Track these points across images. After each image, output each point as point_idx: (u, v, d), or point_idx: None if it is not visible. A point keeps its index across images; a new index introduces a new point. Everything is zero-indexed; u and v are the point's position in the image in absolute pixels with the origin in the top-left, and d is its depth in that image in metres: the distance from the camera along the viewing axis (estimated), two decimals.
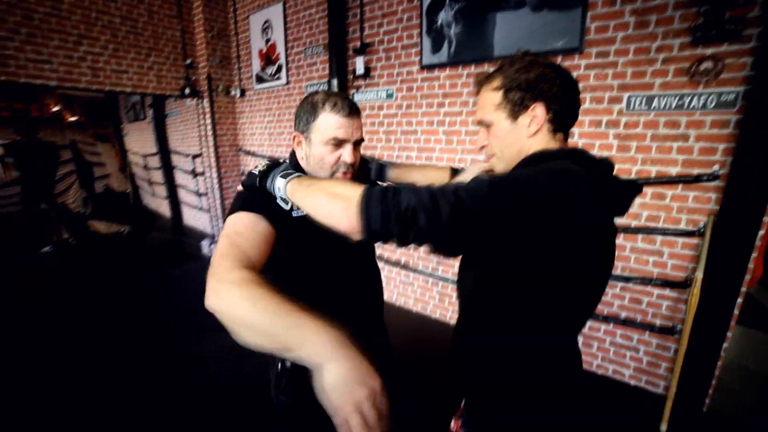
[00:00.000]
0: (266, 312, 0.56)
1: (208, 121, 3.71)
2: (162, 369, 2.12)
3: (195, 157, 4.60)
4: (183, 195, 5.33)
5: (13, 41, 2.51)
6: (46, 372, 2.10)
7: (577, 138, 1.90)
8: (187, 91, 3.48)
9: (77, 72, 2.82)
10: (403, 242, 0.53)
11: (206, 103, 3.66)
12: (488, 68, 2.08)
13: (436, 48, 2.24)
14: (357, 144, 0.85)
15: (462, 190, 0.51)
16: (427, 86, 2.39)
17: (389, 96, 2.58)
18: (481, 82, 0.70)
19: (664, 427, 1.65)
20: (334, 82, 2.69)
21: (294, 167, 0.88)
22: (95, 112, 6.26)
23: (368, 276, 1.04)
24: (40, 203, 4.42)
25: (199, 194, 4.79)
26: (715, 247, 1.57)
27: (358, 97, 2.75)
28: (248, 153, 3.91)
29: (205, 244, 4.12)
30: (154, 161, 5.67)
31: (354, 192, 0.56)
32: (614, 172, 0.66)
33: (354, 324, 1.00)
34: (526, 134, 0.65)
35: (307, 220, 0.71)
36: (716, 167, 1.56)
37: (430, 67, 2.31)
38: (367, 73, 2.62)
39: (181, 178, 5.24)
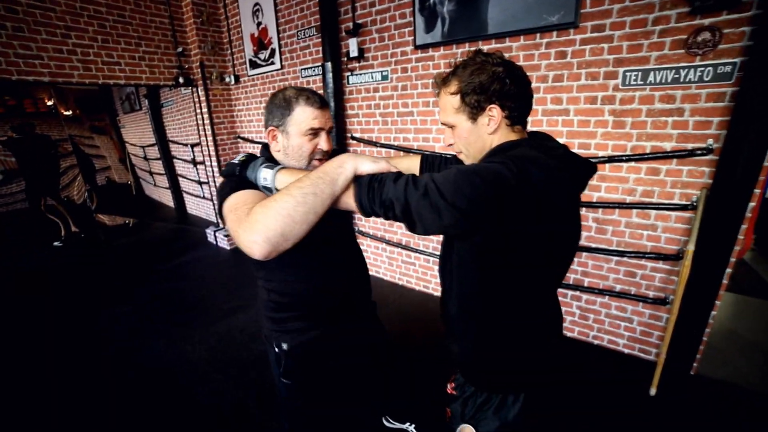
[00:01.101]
0: (299, 188, 0.65)
1: (204, 109, 3.69)
2: (176, 350, 2.24)
3: (194, 146, 4.60)
4: (184, 184, 5.38)
5: (0, 37, 2.48)
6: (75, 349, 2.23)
7: (573, 115, 1.89)
8: (181, 80, 3.44)
9: (69, 66, 2.80)
10: (387, 220, 0.66)
11: (201, 91, 3.62)
12: (482, 46, 2.06)
13: (429, 27, 2.19)
14: (328, 132, 0.93)
15: (431, 183, 0.59)
16: (422, 66, 2.35)
17: (384, 78, 2.55)
18: (439, 85, 0.75)
19: (653, 391, 1.75)
20: (328, 65, 2.66)
21: (268, 160, 0.93)
22: (90, 105, 6.19)
23: (350, 247, 1.13)
24: (45, 198, 4.47)
25: (200, 183, 4.83)
26: (707, 220, 1.60)
27: (353, 80, 2.72)
28: (246, 140, 3.91)
29: (209, 232, 4.20)
30: (153, 152, 5.68)
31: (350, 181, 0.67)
32: (571, 153, 0.72)
33: (343, 286, 1.07)
34: (487, 132, 0.72)
35: None
36: (710, 141, 1.56)
37: (424, 47, 2.27)
38: (361, 54, 2.58)
39: (181, 167, 5.27)
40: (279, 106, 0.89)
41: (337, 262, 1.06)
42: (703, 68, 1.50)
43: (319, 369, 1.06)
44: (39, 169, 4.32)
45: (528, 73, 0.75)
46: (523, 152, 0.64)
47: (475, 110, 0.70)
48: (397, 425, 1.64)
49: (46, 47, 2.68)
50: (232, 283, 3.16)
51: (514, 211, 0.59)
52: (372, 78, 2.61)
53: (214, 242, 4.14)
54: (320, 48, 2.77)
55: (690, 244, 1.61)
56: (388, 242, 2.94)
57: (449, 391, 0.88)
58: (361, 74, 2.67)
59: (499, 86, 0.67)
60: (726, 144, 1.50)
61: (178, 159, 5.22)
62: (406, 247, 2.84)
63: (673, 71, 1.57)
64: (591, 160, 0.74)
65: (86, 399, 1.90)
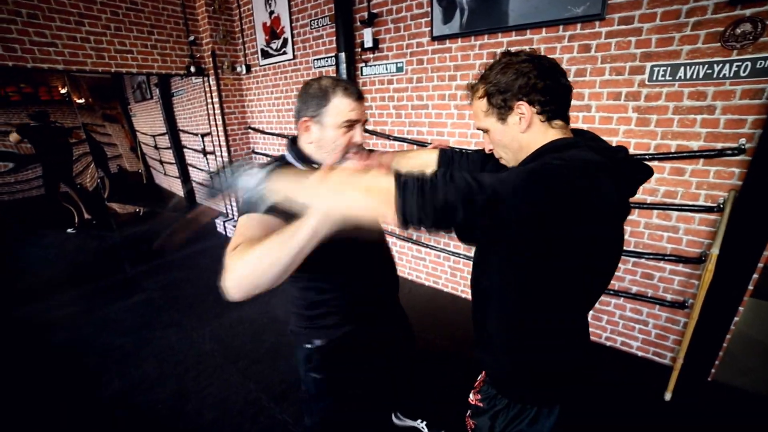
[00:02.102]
0: (269, 245, 0.63)
1: (215, 99, 3.67)
2: (188, 341, 2.26)
3: (204, 136, 4.60)
4: (194, 174, 5.40)
5: (16, 24, 2.47)
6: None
7: (594, 111, 1.83)
8: (192, 69, 3.42)
9: (82, 54, 2.79)
10: (435, 231, 0.54)
11: (212, 80, 3.60)
12: (502, 38, 1.99)
13: (447, 18, 2.13)
14: (363, 125, 0.91)
15: (498, 183, 0.52)
16: (438, 58, 2.29)
17: (399, 69, 2.50)
18: (470, 92, 0.74)
19: (668, 396, 1.72)
20: (342, 55, 2.60)
21: (297, 154, 0.92)
22: (102, 94, 6.23)
23: (384, 248, 1.12)
24: (60, 185, 4.54)
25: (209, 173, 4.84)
26: (734, 223, 1.54)
27: (367, 71, 2.67)
28: (257, 131, 3.89)
29: (218, 222, 4.23)
30: (164, 141, 5.70)
31: (388, 183, 0.54)
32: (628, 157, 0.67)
33: (377, 285, 1.07)
34: (519, 131, 0.68)
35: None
36: (743, 140, 1.49)
37: (441, 38, 2.21)
38: (376, 45, 2.52)
39: (191, 157, 5.28)
40: (315, 96, 0.85)
41: (374, 263, 1.06)
42: (740, 63, 1.42)
43: (349, 366, 1.07)
44: (55, 156, 4.37)
45: None
46: (582, 155, 0.59)
47: (503, 110, 0.67)
48: (408, 422, 1.63)
49: (60, 35, 2.67)
50: None
51: (577, 220, 0.55)
52: (386, 69, 2.56)
53: (224, 232, 4.17)
54: (334, 38, 2.72)
55: (714, 248, 1.56)
56: (399, 237, 2.92)
57: (473, 402, 0.85)
58: (375, 65, 2.61)
59: (524, 81, 0.64)
60: (760, 144, 1.43)
61: (189, 148, 5.23)
62: (416, 242, 2.82)
63: (706, 66, 1.50)
64: (646, 163, 0.70)
65: (102, 389, 1.94)
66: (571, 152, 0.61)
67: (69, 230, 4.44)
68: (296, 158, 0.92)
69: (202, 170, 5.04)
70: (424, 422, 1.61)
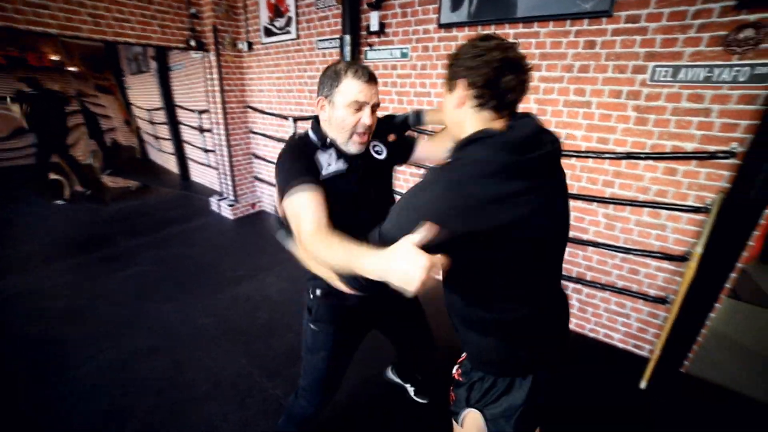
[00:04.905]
0: (343, 257, 0.70)
1: (215, 75, 3.60)
2: (183, 316, 2.29)
3: (201, 112, 4.52)
4: (189, 151, 5.32)
5: None
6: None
7: (595, 108, 1.86)
8: (192, 43, 3.33)
9: (78, 19, 2.70)
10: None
11: (212, 56, 3.51)
12: (509, 30, 1.99)
13: (455, 5, 2.11)
14: (374, 108, 0.95)
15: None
16: (443, 46, 2.28)
17: (404, 55, 2.48)
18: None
19: (643, 384, 1.81)
20: (347, 38, 2.57)
21: (315, 131, 0.99)
22: (95, 63, 6.04)
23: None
24: (52, 155, 4.44)
25: (206, 150, 4.78)
26: (719, 225, 1.60)
27: (372, 55, 2.65)
28: (256, 110, 3.84)
29: (213, 201, 4.20)
30: (160, 116, 5.58)
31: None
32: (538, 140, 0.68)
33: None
34: (453, 106, 0.71)
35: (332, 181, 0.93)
36: (734, 144, 1.54)
37: (448, 26, 2.20)
38: (382, 29, 2.49)
39: (187, 134, 5.20)
40: (329, 77, 0.93)
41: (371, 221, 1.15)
42: (739, 68, 1.45)
43: (345, 317, 1.12)
44: (49, 124, 4.25)
45: (554, 62, 0.69)
46: (477, 156, 0.63)
47: (450, 81, 0.72)
48: (398, 380, 1.72)
49: None
50: (236, 253, 3.19)
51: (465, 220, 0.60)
52: (391, 54, 2.54)
53: (218, 211, 4.15)
54: (339, 19, 2.67)
55: (698, 247, 1.62)
56: None
57: (456, 376, 0.90)
58: (380, 50, 2.59)
59: (471, 62, 0.66)
60: (751, 148, 1.48)
61: (185, 125, 5.14)
62: None
63: (707, 69, 1.53)
64: (558, 135, 0.74)
65: (98, 358, 1.96)
66: (472, 147, 0.65)
67: (57, 202, 4.37)
68: (316, 135, 0.99)
69: (198, 147, 4.97)
70: (413, 388, 1.69)
